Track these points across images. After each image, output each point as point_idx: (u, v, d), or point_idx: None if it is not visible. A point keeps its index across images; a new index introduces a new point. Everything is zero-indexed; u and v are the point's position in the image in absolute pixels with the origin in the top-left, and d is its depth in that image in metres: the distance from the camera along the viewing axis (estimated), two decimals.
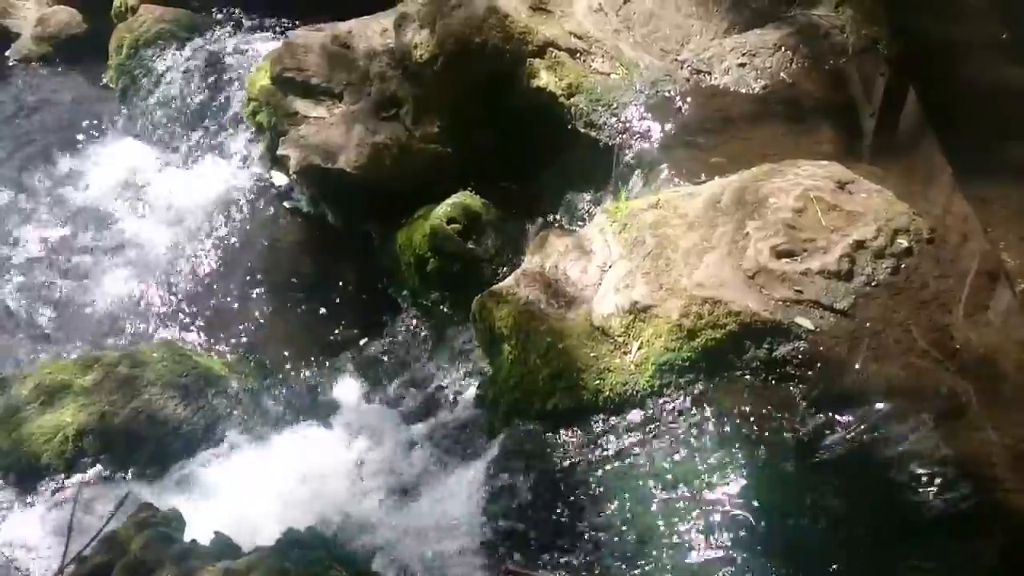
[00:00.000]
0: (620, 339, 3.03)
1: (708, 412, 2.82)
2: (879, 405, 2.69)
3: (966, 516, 2.51)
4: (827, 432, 2.71)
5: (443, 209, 4.26)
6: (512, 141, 4.47)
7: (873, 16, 4.18)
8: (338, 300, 4.78)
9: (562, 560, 2.78)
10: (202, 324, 4.69)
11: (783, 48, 4.07)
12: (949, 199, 3.34)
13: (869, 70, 4.02)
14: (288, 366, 4.42)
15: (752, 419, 2.77)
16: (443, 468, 3.54)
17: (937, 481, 2.55)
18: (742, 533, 2.58)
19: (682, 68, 4.10)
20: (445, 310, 4.37)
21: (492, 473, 3.13)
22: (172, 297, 4.84)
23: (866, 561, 2.51)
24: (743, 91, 3.96)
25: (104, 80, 6.48)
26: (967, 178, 3.41)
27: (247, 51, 5.82)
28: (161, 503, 3.16)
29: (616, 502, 2.80)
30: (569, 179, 4.29)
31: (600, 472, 2.88)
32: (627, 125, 3.92)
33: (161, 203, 5.41)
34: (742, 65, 4.04)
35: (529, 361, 3.15)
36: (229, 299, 4.80)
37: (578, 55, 4.15)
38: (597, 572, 2.70)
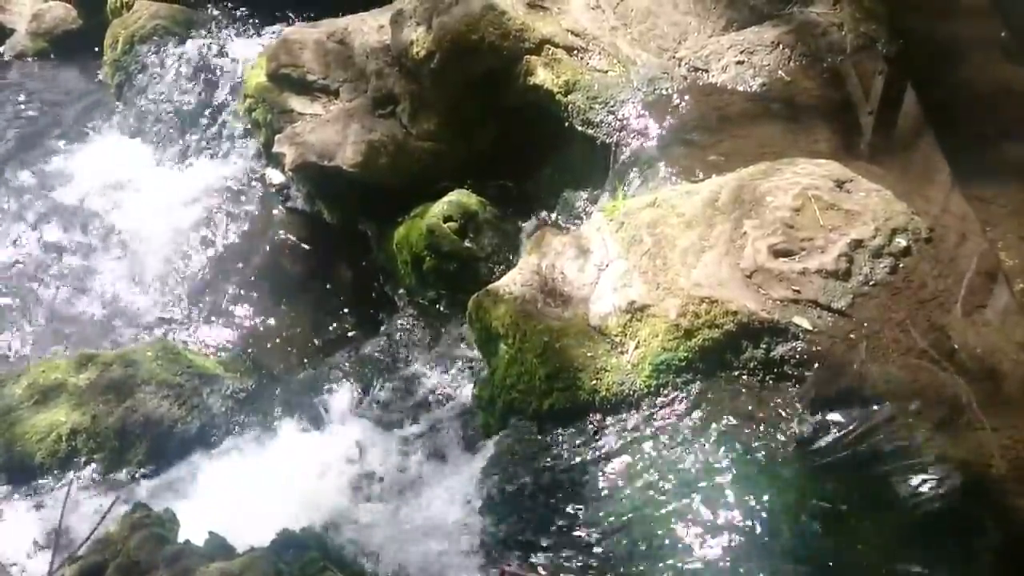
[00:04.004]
0: (617, 339, 3.02)
1: (705, 412, 2.81)
2: (877, 405, 2.68)
3: (964, 516, 2.50)
4: (825, 432, 2.69)
5: (440, 207, 4.25)
6: (509, 139, 4.46)
7: (871, 14, 4.17)
8: (334, 299, 4.77)
9: (560, 561, 2.77)
10: (196, 323, 4.67)
11: (781, 46, 4.05)
12: (948, 198, 3.32)
13: (867, 68, 4.00)
14: (283, 365, 4.41)
15: (749, 419, 2.76)
16: (439, 468, 3.53)
17: (935, 481, 2.54)
18: (739, 534, 2.57)
19: (679, 66, 4.08)
20: (441, 309, 4.36)
21: (489, 473, 3.12)
22: (166, 296, 4.83)
23: (864, 561, 2.50)
24: (741, 89, 3.95)
25: (99, 76, 6.47)
26: (966, 177, 3.39)
27: (243, 47, 5.81)
28: (155, 503, 3.15)
29: (613, 502, 2.79)
30: (566, 177, 4.28)
31: (597, 472, 2.87)
32: (624, 123, 3.91)
33: (156, 200, 5.39)
34: (740, 63, 4.02)
35: (526, 360, 3.14)
36: (224, 298, 4.78)
37: (575, 52, 4.13)
38: (595, 573, 2.69)
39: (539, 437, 3.05)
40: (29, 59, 6.87)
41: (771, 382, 2.80)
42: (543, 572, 2.78)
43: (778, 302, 2.87)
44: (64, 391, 3.82)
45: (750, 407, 2.79)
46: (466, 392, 3.87)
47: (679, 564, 2.59)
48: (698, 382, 2.87)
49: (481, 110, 4.43)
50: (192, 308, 4.75)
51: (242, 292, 4.79)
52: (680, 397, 2.87)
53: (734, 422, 2.77)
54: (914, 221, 3.03)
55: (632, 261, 3.13)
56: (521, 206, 4.40)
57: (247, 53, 5.73)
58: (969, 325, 2.84)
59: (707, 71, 4.04)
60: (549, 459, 2.98)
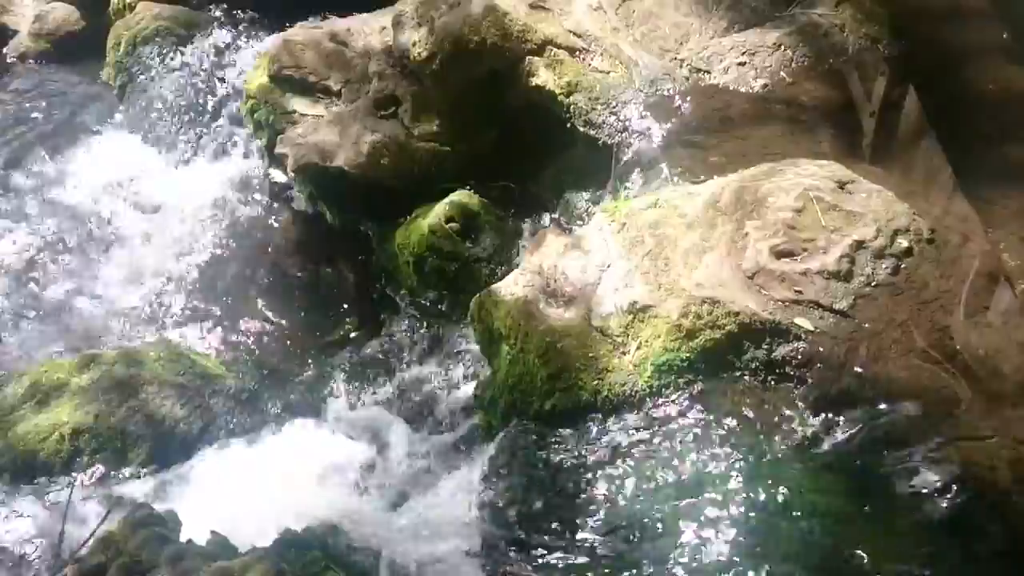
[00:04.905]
0: (619, 339, 3.02)
1: (707, 413, 2.81)
2: (879, 406, 2.68)
3: (965, 517, 2.50)
4: (826, 433, 2.70)
5: (441, 208, 4.25)
6: (511, 140, 4.46)
7: (873, 15, 4.18)
8: (335, 299, 4.77)
9: (561, 562, 2.77)
10: (199, 323, 4.67)
11: (783, 47, 4.05)
12: (949, 199, 3.33)
13: (869, 69, 4.01)
14: (285, 365, 4.41)
15: (751, 420, 2.76)
16: (441, 468, 3.53)
17: (936, 483, 2.54)
18: (741, 535, 2.57)
19: (681, 67, 4.08)
20: (443, 309, 4.36)
21: (490, 474, 3.12)
22: (169, 296, 4.83)
23: (865, 563, 2.49)
24: (743, 90, 3.95)
25: (102, 77, 6.47)
26: (968, 178, 3.40)
27: (245, 49, 5.81)
28: (157, 503, 3.15)
29: (615, 503, 2.79)
30: (568, 178, 4.28)
31: (599, 473, 2.87)
32: (626, 124, 3.91)
33: (158, 201, 5.40)
34: (742, 64, 4.03)
35: (527, 361, 3.14)
36: (226, 298, 4.78)
37: (577, 53, 4.13)
38: (596, 574, 2.69)
39: (541, 437, 3.05)
40: (31, 60, 6.87)
41: (773, 383, 2.80)
42: (545, 573, 2.78)
43: (780, 303, 2.87)
44: (66, 391, 3.82)
45: (752, 408, 2.79)
46: (467, 393, 3.87)
47: (681, 565, 2.59)
48: (700, 383, 2.87)
49: (483, 111, 4.43)
50: (194, 308, 4.75)
51: (244, 292, 4.80)
52: (682, 398, 2.87)
53: (736, 423, 2.77)
54: (916, 222, 3.03)
55: (634, 262, 3.13)
56: (523, 207, 4.40)
57: (249, 54, 5.74)
58: (971, 326, 2.84)
59: (709, 72, 4.04)
60: (551, 459, 2.98)
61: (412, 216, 4.44)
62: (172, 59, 5.89)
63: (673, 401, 2.87)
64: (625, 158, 3.86)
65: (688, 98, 3.94)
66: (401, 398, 4.11)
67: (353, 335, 4.59)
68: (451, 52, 4.21)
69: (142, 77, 5.97)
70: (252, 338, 4.58)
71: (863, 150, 3.70)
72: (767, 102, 3.88)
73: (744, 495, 2.64)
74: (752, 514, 2.60)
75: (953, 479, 2.53)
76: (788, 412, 2.75)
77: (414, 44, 4.36)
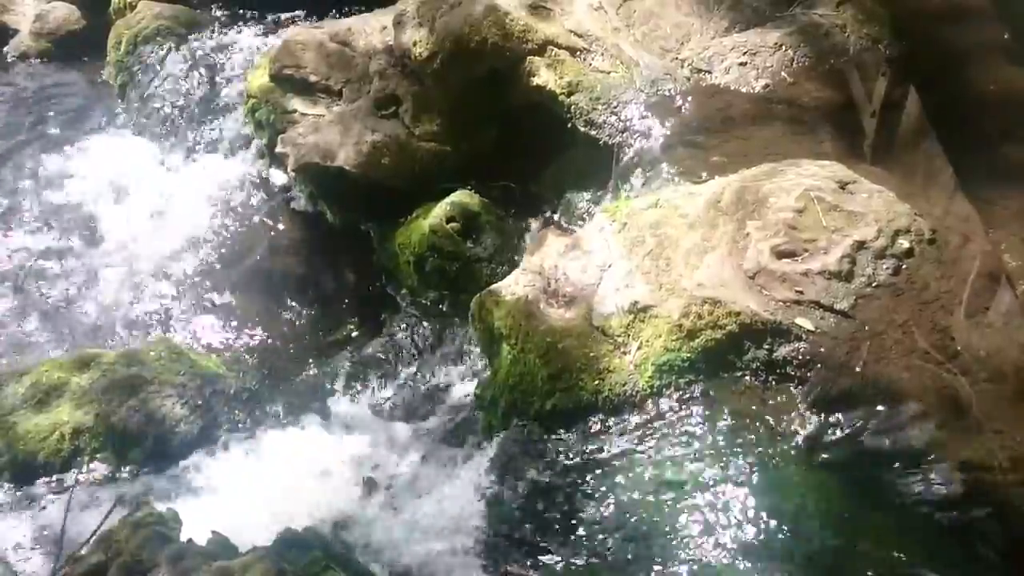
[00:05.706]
0: (620, 339, 3.02)
1: (708, 413, 2.81)
2: (879, 406, 2.68)
3: (967, 517, 2.50)
4: (827, 433, 2.70)
5: (442, 208, 4.25)
6: (512, 140, 4.46)
7: (874, 16, 4.18)
8: (336, 299, 4.77)
9: (561, 561, 2.77)
10: (199, 323, 4.67)
11: (784, 47, 4.05)
12: (950, 200, 3.33)
13: (870, 70, 4.01)
14: (285, 365, 4.41)
15: (752, 420, 2.76)
16: (441, 468, 3.53)
17: (938, 482, 2.54)
18: (742, 535, 2.57)
19: (682, 67, 4.08)
20: (444, 309, 4.36)
21: (490, 473, 3.13)
22: (169, 295, 4.83)
23: (866, 563, 2.49)
24: (744, 90, 3.95)
25: (103, 76, 6.48)
26: (968, 179, 3.40)
27: (246, 48, 5.81)
28: (158, 502, 3.15)
29: (615, 503, 2.79)
30: (569, 178, 4.28)
31: (599, 473, 2.87)
32: (627, 124, 3.91)
33: (159, 200, 5.39)
34: (743, 64, 4.03)
35: (528, 361, 3.14)
36: (227, 298, 4.78)
37: (578, 53, 4.14)
38: (596, 574, 2.69)
39: (541, 437, 3.05)
40: (32, 60, 6.88)
41: (774, 383, 2.80)
42: (545, 573, 2.78)
43: (781, 303, 2.87)
44: (67, 391, 3.82)
45: (752, 408, 2.79)
46: (468, 392, 3.87)
47: (681, 565, 2.59)
48: (701, 383, 2.87)
49: (484, 111, 4.44)
50: (195, 308, 4.75)
51: (245, 292, 4.79)
52: (683, 398, 2.87)
53: (736, 423, 2.77)
54: (917, 222, 3.03)
55: (635, 262, 3.13)
56: (524, 207, 4.40)
57: (250, 54, 5.74)
58: (972, 327, 2.83)
59: (710, 72, 4.04)
60: (551, 459, 2.98)
61: (413, 216, 4.44)
62: (173, 59, 5.88)
63: (674, 401, 2.87)
64: (626, 158, 3.86)
65: (689, 98, 3.94)
66: (401, 398, 4.11)
67: (354, 335, 4.59)
68: (452, 52, 4.22)
69: (143, 77, 5.97)
70: (252, 338, 4.59)
71: (864, 150, 3.69)
72: (768, 102, 3.88)
73: (745, 495, 2.64)
74: (752, 514, 2.60)
75: (954, 478, 2.53)
76: (789, 412, 2.75)
77: (415, 44, 4.36)
